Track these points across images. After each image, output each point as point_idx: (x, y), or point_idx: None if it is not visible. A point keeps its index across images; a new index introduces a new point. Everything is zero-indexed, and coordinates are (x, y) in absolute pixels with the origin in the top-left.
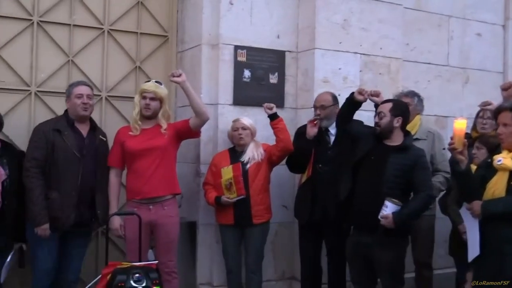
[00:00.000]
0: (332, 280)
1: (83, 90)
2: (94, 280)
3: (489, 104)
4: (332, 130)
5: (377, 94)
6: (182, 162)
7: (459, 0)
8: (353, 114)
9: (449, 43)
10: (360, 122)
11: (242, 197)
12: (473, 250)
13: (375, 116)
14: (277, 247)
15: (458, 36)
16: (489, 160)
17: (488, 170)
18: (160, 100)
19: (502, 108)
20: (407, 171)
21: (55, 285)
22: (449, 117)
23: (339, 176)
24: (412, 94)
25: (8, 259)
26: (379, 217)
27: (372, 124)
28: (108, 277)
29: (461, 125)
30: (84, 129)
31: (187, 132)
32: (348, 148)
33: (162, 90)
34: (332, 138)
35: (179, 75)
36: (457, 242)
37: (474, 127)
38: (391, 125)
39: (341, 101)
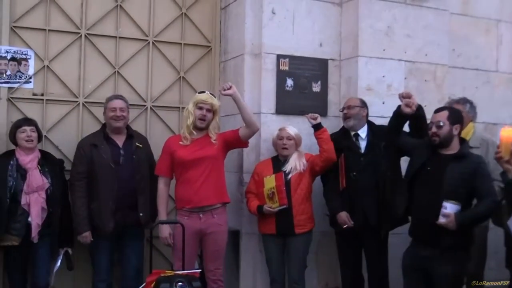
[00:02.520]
0: (372, 285)
1: (116, 104)
2: None
3: None
4: (363, 134)
5: (408, 95)
6: (226, 171)
7: (508, 4)
8: (402, 127)
9: (498, 48)
10: (404, 133)
11: (284, 207)
12: None
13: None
14: (320, 257)
15: (507, 40)
16: None
17: None
18: (214, 112)
19: None
20: (467, 179)
21: (120, 282)
22: (498, 124)
23: (387, 189)
24: (464, 100)
25: (57, 264)
26: (441, 217)
27: None
28: (152, 285)
29: (509, 133)
30: (120, 140)
31: (236, 142)
32: (381, 154)
33: (217, 102)
34: (363, 144)
35: (230, 88)
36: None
37: None
38: (451, 134)
39: (385, 109)
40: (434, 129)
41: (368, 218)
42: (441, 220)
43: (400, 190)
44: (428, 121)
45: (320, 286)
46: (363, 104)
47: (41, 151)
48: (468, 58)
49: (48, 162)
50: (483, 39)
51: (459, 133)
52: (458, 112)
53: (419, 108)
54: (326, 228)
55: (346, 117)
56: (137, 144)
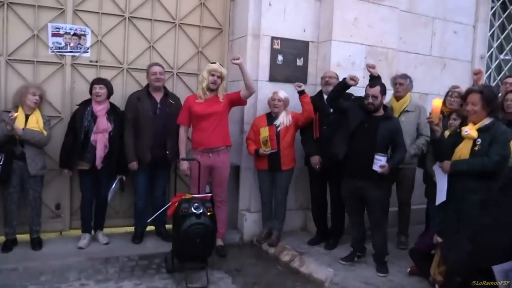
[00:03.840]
0: (334, 209)
1: (156, 69)
2: (166, 206)
3: (457, 87)
4: None
5: (373, 66)
6: (231, 122)
7: (441, 5)
8: (342, 94)
9: (432, 38)
10: (349, 95)
11: (274, 151)
12: (441, 196)
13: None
14: (297, 186)
15: (439, 33)
16: (458, 130)
17: (457, 137)
18: (222, 78)
19: (472, 91)
20: (391, 134)
21: (151, 199)
22: (429, 94)
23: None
24: (405, 76)
25: (114, 186)
26: (377, 167)
27: None
28: (176, 204)
29: (438, 103)
30: (158, 96)
31: (238, 101)
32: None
33: (225, 71)
34: None
35: (238, 58)
36: (431, 188)
37: (444, 103)
38: (381, 103)
39: None
40: (370, 100)
41: (334, 158)
42: (378, 169)
43: (342, 141)
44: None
45: (297, 206)
46: (337, 76)
47: (111, 103)
48: (410, 44)
49: (114, 112)
50: (422, 30)
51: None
52: (384, 86)
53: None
54: (302, 165)
55: (326, 84)
56: (170, 101)
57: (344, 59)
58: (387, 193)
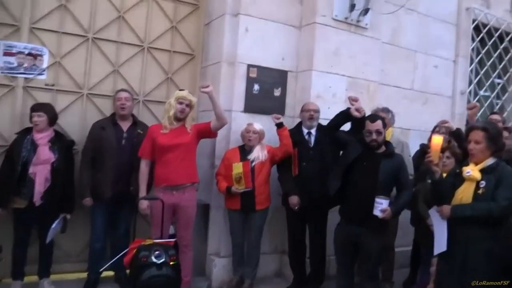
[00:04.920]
0: (314, 253)
1: (121, 95)
2: (122, 253)
3: (446, 122)
4: (314, 132)
5: (356, 99)
6: (201, 155)
7: (423, 39)
8: (343, 125)
9: (414, 72)
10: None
11: (249, 189)
12: (440, 246)
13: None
14: (272, 227)
15: (421, 66)
16: (457, 170)
17: (457, 179)
18: (191, 106)
19: (474, 127)
20: (394, 173)
21: (112, 240)
22: (410, 130)
23: (325, 173)
24: (387, 110)
25: (54, 225)
26: (378, 211)
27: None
28: (134, 251)
29: (438, 140)
30: (125, 125)
31: (207, 132)
32: (328, 148)
33: (194, 99)
34: (312, 139)
35: (208, 86)
36: (423, 231)
37: (430, 139)
38: (384, 138)
39: (330, 112)
40: (374, 136)
41: (315, 199)
42: (380, 214)
43: (335, 176)
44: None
45: (271, 249)
46: (319, 110)
47: (56, 131)
48: (392, 77)
49: (58, 141)
50: (404, 64)
51: None
52: (384, 120)
53: (364, 114)
54: (278, 204)
55: (311, 118)
56: (139, 130)
57: (325, 90)
58: (383, 242)
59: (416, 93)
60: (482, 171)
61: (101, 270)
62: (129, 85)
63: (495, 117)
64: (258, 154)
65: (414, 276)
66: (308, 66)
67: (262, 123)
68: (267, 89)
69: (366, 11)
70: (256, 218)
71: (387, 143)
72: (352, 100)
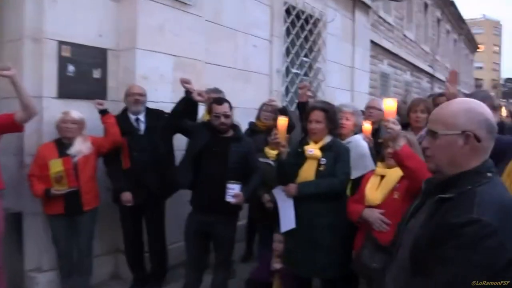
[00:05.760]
0: (153, 248)
1: None
2: None
3: (273, 101)
4: (142, 118)
5: (188, 81)
6: (4, 154)
7: (242, 19)
8: (186, 111)
9: (236, 51)
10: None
11: (73, 189)
12: (288, 223)
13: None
14: (102, 225)
15: (241, 46)
16: (299, 149)
17: (299, 158)
18: None
19: (315, 108)
20: (243, 157)
21: None
22: (236, 108)
23: (160, 163)
24: (218, 90)
25: None
26: (230, 197)
27: None
28: None
29: (284, 121)
30: None
31: (10, 126)
32: (160, 135)
33: None
34: (143, 126)
35: (9, 69)
36: (258, 208)
37: (258, 117)
38: (232, 121)
39: (158, 95)
40: (223, 119)
41: (150, 191)
42: (232, 200)
43: (185, 167)
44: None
45: (104, 251)
46: (145, 93)
47: None
48: (217, 56)
49: None
50: (227, 43)
51: None
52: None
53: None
54: (108, 199)
55: (136, 102)
56: None
57: (151, 70)
58: (235, 229)
59: (239, 71)
60: (321, 149)
61: None
62: None
63: (373, 103)
64: (80, 147)
65: (250, 251)
66: (130, 44)
67: (81, 111)
68: (84, 71)
69: None
70: (84, 221)
71: (235, 127)
72: (184, 82)
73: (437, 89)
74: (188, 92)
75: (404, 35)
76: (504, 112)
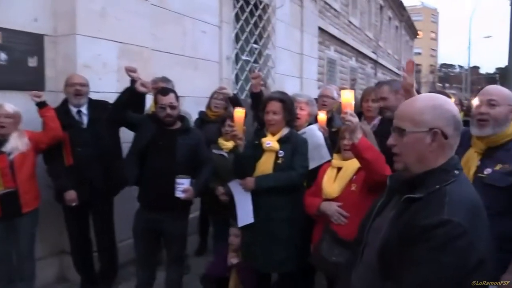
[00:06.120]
0: (102, 246)
1: None
2: None
3: (224, 88)
4: (85, 110)
5: (134, 70)
6: None
7: (190, 3)
8: (130, 103)
9: (184, 37)
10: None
11: (10, 190)
12: (245, 218)
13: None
14: (44, 226)
15: (190, 31)
16: (256, 141)
17: (256, 150)
18: None
19: (272, 98)
20: (193, 150)
21: None
22: (185, 97)
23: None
24: (166, 79)
25: None
26: (179, 193)
27: None
28: None
29: (241, 113)
30: None
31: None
32: (105, 128)
33: None
34: (85, 119)
35: (135, 70)
36: (212, 202)
37: (208, 106)
38: (179, 112)
39: (102, 85)
40: (169, 111)
41: (96, 188)
42: (182, 195)
43: (132, 163)
44: None
45: (46, 252)
46: (87, 83)
47: None
48: (164, 43)
49: None
50: (175, 28)
51: None
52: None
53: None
54: (49, 198)
55: (77, 94)
56: None
57: (93, 58)
58: (187, 224)
59: (188, 59)
60: (279, 141)
61: None
62: None
63: (326, 92)
64: (16, 143)
65: (204, 244)
66: (70, 30)
67: (16, 103)
68: (18, 59)
69: None
70: (24, 224)
71: (182, 118)
72: (130, 71)
73: (381, 75)
74: (133, 82)
75: (350, 22)
76: (453, 100)
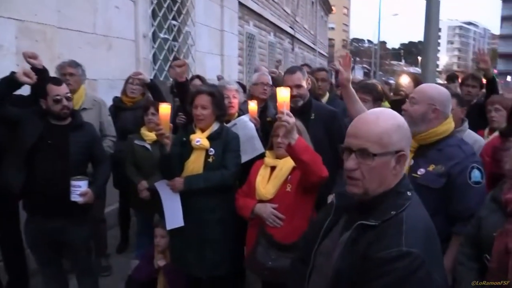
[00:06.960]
0: (8, 256)
1: None
2: None
3: (140, 74)
4: None
5: (34, 56)
6: None
7: None
8: (8, 95)
9: (95, 14)
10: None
11: None
12: (174, 220)
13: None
14: None
15: (102, 7)
16: (184, 139)
17: (184, 148)
18: None
19: (200, 92)
20: (87, 148)
21: None
22: (97, 80)
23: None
24: (75, 64)
25: None
26: (77, 196)
27: None
28: None
29: (167, 110)
30: None
31: None
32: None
33: None
34: None
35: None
36: (135, 197)
37: (124, 92)
38: (73, 105)
39: None
40: (65, 102)
41: None
42: (80, 199)
43: (16, 167)
44: None
45: None
46: None
47: None
48: (72, 20)
49: None
50: (84, 4)
51: None
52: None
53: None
54: None
55: None
56: None
57: None
58: (92, 226)
59: (99, 37)
60: (209, 137)
61: None
62: None
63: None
64: None
65: (126, 239)
66: None
67: None
68: None
69: None
70: None
71: (73, 112)
72: (29, 57)
73: (298, 49)
74: (35, 70)
75: None
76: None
